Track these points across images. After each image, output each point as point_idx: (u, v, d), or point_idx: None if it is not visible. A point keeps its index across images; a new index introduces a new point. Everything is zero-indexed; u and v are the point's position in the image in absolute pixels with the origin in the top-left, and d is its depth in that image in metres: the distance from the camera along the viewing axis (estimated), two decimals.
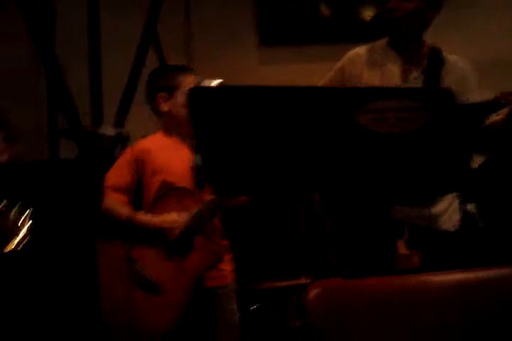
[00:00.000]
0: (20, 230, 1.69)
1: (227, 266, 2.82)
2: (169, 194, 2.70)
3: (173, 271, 2.66)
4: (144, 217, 2.68)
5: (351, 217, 2.62)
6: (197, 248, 2.67)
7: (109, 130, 3.71)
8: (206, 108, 1.61)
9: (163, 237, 2.67)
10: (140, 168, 2.73)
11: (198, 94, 1.64)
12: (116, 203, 2.71)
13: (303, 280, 3.33)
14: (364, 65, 2.78)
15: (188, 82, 2.76)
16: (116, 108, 4.01)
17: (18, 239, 1.66)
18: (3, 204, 1.68)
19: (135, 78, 3.91)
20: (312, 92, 1.61)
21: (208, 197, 2.65)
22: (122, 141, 3.66)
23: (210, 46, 4.25)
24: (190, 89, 1.59)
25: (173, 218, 2.64)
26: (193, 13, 4.34)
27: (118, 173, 2.75)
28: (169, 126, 2.80)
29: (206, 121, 1.63)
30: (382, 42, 2.80)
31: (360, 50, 2.87)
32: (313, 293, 1.51)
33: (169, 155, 2.76)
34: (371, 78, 2.70)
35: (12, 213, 1.71)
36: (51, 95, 4.18)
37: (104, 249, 2.73)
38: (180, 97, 2.73)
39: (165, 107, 2.78)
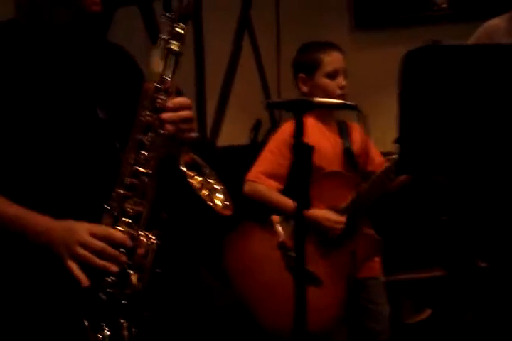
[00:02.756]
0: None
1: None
2: (323, 179, 2.52)
3: (331, 264, 2.50)
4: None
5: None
6: (357, 236, 2.50)
7: None
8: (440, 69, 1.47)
9: (321, 232, 2.50)
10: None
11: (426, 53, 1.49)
12: (272, 190, 2.53)
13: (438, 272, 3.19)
14: (504, 35, 2.61)
15: (332, 61, 2.58)
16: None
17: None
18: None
19: (235, 62, 3.77)
20: None
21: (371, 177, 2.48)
22: None
23: (301, 30, 4.09)
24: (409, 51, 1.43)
25: (338, 218, 2.47)
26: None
27: (273, 158, 2.56)
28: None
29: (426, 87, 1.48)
30: None
31: (497, 21, 2.71)
32: None
33: (317, 138, 2.55)
34: None
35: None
36: None
37: (255, 233, 2.55)
38: (320, 78, 2.57)
39: (304, 88, 2.61)
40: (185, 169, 1.54)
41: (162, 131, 1.56)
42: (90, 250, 1.48)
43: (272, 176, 2.54)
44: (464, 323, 3.11)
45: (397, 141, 1.71)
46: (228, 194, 1.58)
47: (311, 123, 2.62)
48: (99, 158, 1.62)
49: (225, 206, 1.56)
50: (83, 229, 1.50)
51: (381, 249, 2.54)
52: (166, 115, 1.56)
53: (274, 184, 2.54)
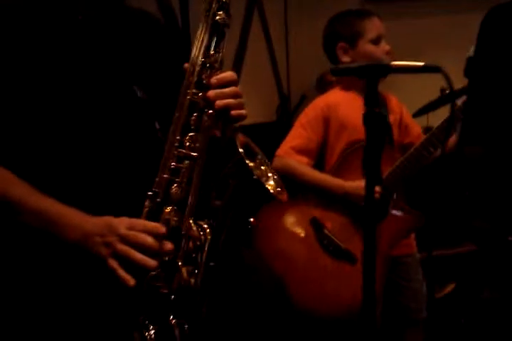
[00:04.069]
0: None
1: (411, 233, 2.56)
2: (358, 152, 2.40)
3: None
4: (336, 181, 2.39)
5: None
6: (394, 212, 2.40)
7: None
8: None
9: (354, 204, 2.39)
10: (326, 126, 2.44)
11: None
12: (303, 165, 2.42)
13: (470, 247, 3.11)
14: None
15: (373, 27, 2.47)
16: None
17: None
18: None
19: (245, 39, 3.63)
20: None
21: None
22: None
23: (311, 6, 3.97)
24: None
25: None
26: None
27: (304, 133, 2.44)
28: (349, 79, 2.49)
29: None
30: None
31: None
32: None
33: (352, 111, 2.44)
34: None
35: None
36: None
37: (285, 207, 2.43)
38: (365, 46, 2.45)
39: (345, 58, 2.48)
40: (242, 151, 1.42)
41: (209, 111, 1.43)
42: (130, 244, 1.36)
43: (302, 151, 2.43)
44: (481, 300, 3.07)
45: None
46: (282, 182, 1.46)
47: (347, 95, 2.52)
48: (139, 141, 1.50)
49: (279, 192, 1.45)
50: (122, 225, 1.37)
51: (421, 223, 2.43)
52: (212, 92, 1.42)
53: (305, 159, 2.43)
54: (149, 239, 1.35)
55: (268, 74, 3.95)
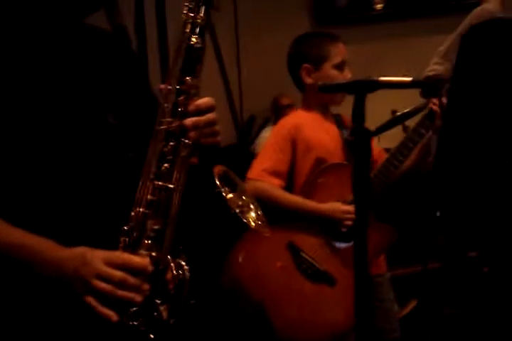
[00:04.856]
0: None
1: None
2: (326, 172, 2.39)
3: (343, 260, 2.34)
4: (311, 203, 2.35)
5: None
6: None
7: None
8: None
9: (330, 226, 2.34)
10: (294, 147, 2.40)
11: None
12: (276, 188, 2.36)
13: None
14: None
15: (338, 52, 2.46)
16: None
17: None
18: None
19: None
20: None
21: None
22: None
23: (261, 27, 4.00)
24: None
25: (346, 208, 2.31)
26: None
27: (273, 155, 2.39)
28: (312, 100, 2.50)
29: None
30: None
31: (489, 6, 2.64)
32: None
33: (316, 131, 2.45)
34: None
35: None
36: None
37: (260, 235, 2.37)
38: (329, 70, 2.44)
39: (309, 80, 2.46)
40: (218, 182, 1.35)
41: (185, 140, 1.36)
42: (109, 282, 1.28)
43: (274, 174, 2.38)
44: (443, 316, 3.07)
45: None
46: (262, 212, 1.40)
47: (310, 116, 2.51)
48: (112, 170, 1.42)
49: (261, 225, 1.39)
50: (98, 259, 1.29)
51: (395, 239, 2.40)
52: (189, 121, 1.35)
53: (277, 181, 2.38)
54: (131, 280, 1.28)
55: (221, 96, 3.92)
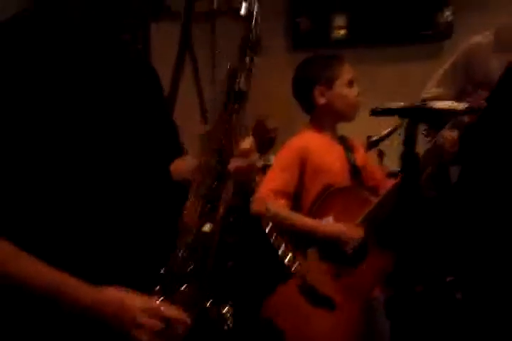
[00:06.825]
0: None
1: None
2: (334, 195, 2.39)
3: (344, 287, 2.32)
4: (317, 223, 2.35)
5: None
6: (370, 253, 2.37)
7: None
8: None
9: (335, 249, 2.32)
10: (303, 167, 2.37)
11: None
12: (282, 209, 2.34)
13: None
14: (488, 51, 2.73)
15: (346, 69, 2.51)
16: None
17: None
18: None
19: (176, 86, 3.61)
20: None
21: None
22: None
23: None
24: None
25: (354, 231, 2.30)
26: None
27: (281, 175, 2.37)
28: (323, 120, 2.51)
29: None
30: None
31: (479, 38, 2.81)
32: None
33: (326, 154, 2.46)
34: None
35: None
36: None
37: None
38: (341, 88, 2.47)
39: (322, 100, 2.47)
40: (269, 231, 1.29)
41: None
42: (149, 331, 1.23)
43: (281, 194, 2.37)
44: None
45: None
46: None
47: (319, 138, 2.51)
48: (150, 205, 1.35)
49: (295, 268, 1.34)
50: (135, 308, 1.23)
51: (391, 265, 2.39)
52: (233, 166, 1.30)
53: (284, 202, 2.37)
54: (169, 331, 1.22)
55: (198, 116, 3.88)
